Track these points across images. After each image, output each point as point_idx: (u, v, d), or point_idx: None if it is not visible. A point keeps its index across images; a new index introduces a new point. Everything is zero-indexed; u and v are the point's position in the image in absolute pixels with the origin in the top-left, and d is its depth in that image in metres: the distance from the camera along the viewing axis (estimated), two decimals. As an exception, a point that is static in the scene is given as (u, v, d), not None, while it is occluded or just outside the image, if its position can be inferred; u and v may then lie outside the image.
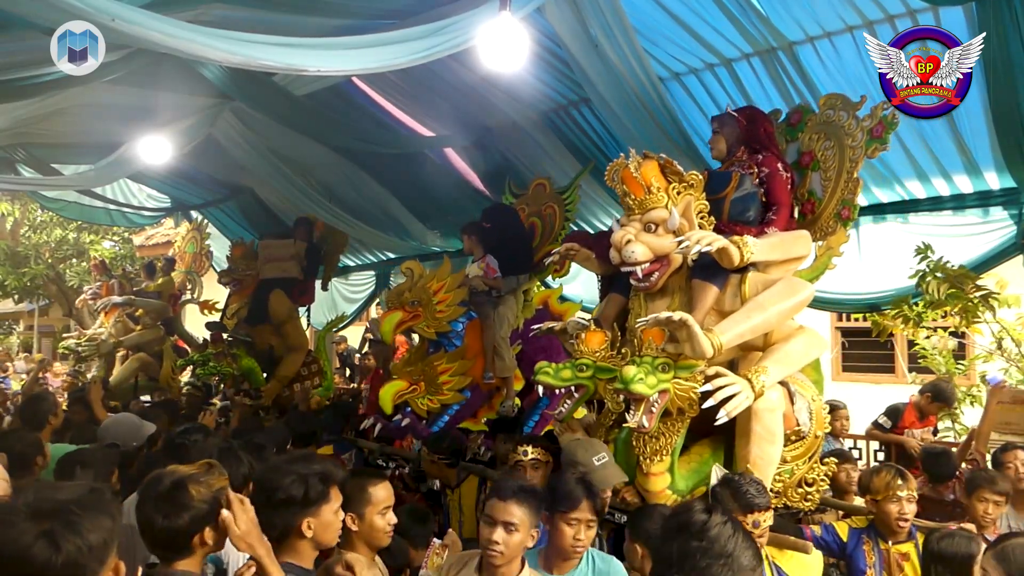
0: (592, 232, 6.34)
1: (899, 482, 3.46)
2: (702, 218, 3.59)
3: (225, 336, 8.30)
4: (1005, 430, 5.43)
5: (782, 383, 3.47)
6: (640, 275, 3.53)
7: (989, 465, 4.45)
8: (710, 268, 3.53)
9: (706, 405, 3.18)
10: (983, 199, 4.78)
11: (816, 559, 3.19)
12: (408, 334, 7.22)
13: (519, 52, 3.93)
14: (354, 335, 12.67)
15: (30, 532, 1.47)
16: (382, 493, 2.85)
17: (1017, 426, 5.28)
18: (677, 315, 3.18)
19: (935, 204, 4.98)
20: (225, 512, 2.16)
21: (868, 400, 7.66)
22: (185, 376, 9.50)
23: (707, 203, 3.64)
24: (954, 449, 5.25)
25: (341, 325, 9.20)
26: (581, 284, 7.20)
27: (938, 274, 4.70)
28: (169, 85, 5.58)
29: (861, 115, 3.81)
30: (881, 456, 6.35)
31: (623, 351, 3.54)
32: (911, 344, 7.74)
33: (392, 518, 2.87)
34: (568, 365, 3.52)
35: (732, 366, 3.48)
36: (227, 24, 3.90)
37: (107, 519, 1.57)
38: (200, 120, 6.34)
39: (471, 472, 4.64)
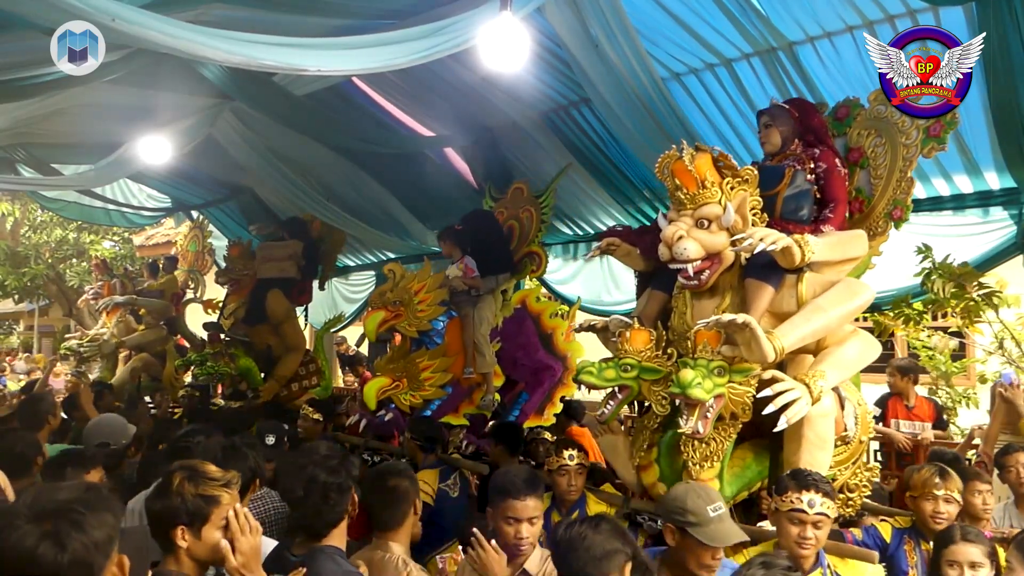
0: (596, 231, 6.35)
1: (936, 480, 3.36)
2: (755, 215, 3.46)
3: (223, 336, 8.31)
4: (1005, 430, 5.43)
5: (832, 388, 3.35)
6: (691, 273, 3.39)
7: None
8: (766, 268, 3.39)
9: (766, 411, 3.05)
10: (983, 199, 4.76)
11: (878, 570, 3.04)
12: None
13: (519, 52, 3.92)
14: (354, 335, 12.65)
15: (34, 533, 1.47)
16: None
17: (1016, 426, 5.27)
18: (740, 317, 3.06)
19: (935, 204, 4.97)
20: (224, 542, 2.15)
21: (869, 399, 7.64)
22: (189, 376, 9.50)
23: (760, 199, 3.51)
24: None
25: (340, 325, 9.20)
26: (580, 283, 7.19)
27: (942, 272, 4.68)
28: (169, 85, 5.58)
29: None
30: (880, 456, 6.34)
31: (669, 351, 3.43)
32: (911, 344, 7.73)
33: (525, 530, 2.82)
34: (612, 364, 3.42)
35: (781, 369, 3.34)
36: (227, 24, 3.90)
37: (109, 515, 1.58)
38: (200, 120, 6.34)
39: (448, 464, 4.69)
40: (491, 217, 6.27)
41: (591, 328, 4.16)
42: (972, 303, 4.71)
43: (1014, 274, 5.06)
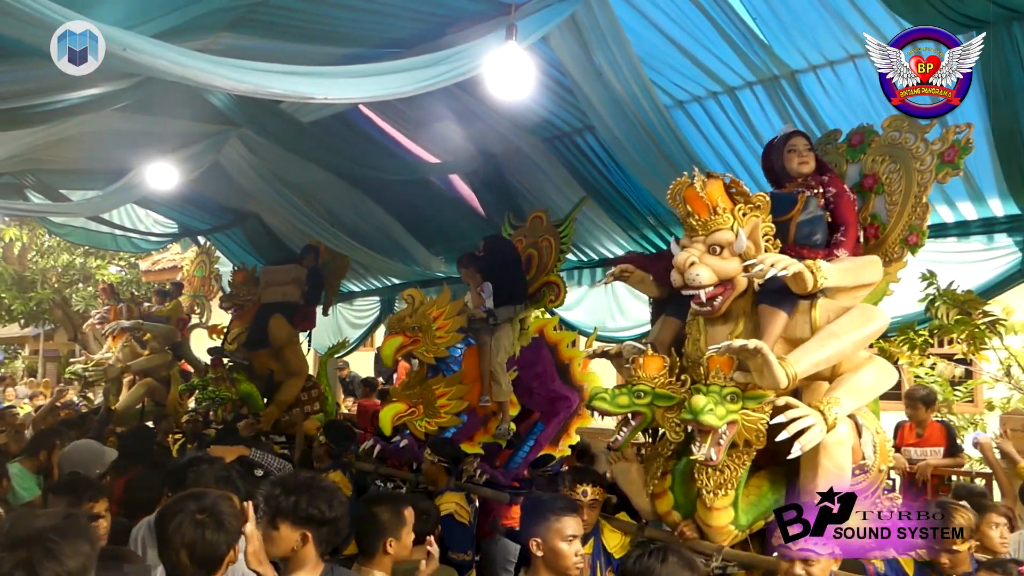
0: (605, 257, 6.34)
1: None
2: (768, 241, 3.45)
3: (225, 360, 8.30)
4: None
5: (849, 415, 3.30)
6: (703, 299, 3.36)
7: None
8: (779, 293, 3.37)
9: (780, 438, 3.01)
10: (987, 226, 4.76)
11: None
12: (409, 358, 7.28)
13: (524, 80, 3.96)
14: (358, 361, 12.64)
15: (8, 561, 1.47)
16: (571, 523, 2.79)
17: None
18: (752, 343, 3.03)
19: (939, 231, 4.96)
20: (250, 527, 2.31)
21: (887, 427, 7.59)
22: (192, 402, 9.49)
23: (773, 225, 3.49)
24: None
25: (344, 351, 9.19)
26: (584, 311, 7.18)
27: (947, 299, 4.67)
28: (177, 112, 5.64)
29: (931, 138, 3.69)
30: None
31: (683, 378, 3.41)
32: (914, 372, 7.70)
33: (579, 547, 2.79)
34: (625, 391, 3.39)
35: (796, 396, 3.29)
36: (235, 53, 3.94)
37: (85, 544, 1.58)
38: (207, 147, 6.40)
39: (471, 492, 4.71)
40: (509, 244, 6.14)
41: (605, 355, 4.13)
42: (977, 330, 4.69)
43: (1020, 301, 5.05)
